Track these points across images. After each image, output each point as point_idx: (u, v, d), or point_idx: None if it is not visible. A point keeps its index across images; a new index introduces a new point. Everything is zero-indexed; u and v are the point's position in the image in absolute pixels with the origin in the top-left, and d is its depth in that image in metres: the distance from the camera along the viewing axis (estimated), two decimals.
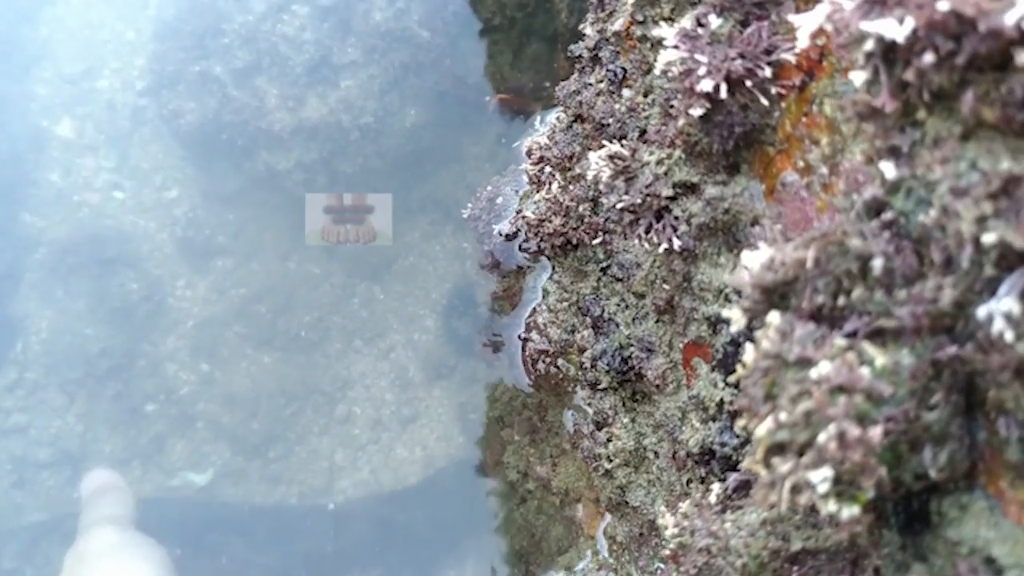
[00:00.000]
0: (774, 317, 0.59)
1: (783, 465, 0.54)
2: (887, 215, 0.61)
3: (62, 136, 2.16)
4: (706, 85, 0.79)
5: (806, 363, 0.55)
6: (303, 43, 2.01)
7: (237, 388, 2.22)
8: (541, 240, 1.14)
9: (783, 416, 0.54)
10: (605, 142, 0.95)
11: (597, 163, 0.94)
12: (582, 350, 1.09)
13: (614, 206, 0.92)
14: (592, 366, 1.06)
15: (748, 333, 0.80)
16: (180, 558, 1.78)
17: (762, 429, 0.55)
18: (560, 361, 1.25)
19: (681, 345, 0.95)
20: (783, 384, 0.56)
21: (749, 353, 0.60)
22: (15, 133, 2.12)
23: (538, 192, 1.31)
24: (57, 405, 2.10)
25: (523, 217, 1.31)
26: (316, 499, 2.23)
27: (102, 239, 2.15)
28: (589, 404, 1.12)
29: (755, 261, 0.62)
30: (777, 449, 0.55)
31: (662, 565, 1.02)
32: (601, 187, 0.93)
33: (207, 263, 2.23)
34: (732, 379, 0.61)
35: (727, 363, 0.82)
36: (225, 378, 2.23)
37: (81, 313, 2.11)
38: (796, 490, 0.53)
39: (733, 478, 0.75)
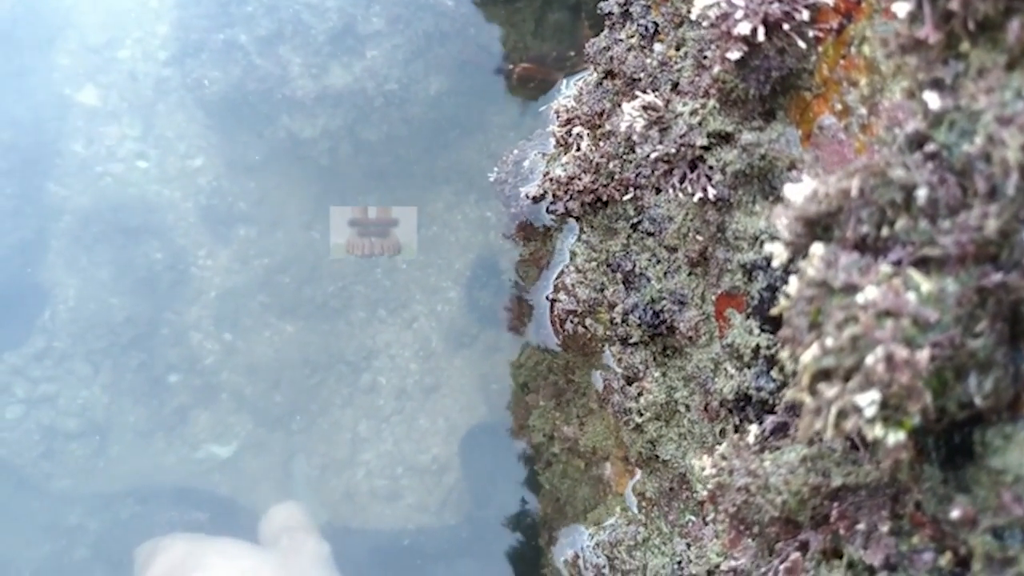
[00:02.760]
0: (818, 248, 0.59)
1: (829, 390, 0.54)
2: (929, 147, 0.61)
3: (86, 105, 2.17)
4: (744, 28, 0.79)
5: (852, 289, 0.55)
6: (326, 11, 2.01)
7: (260, 358, 2.23)
8: (571, 199, 1.14)
9: (829, 342, 0.54)
10: (639, 93, 0.95)
11: (631, 114, 0.94)
12: (612, 306, 1.09)
13: (648, 156, 0.92)
14: (623, 321, 1.06)
15: (785, 275, 0.80)
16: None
17: (807, 356, 0.56)
18: (588, 321, 1.25)
19: (714, 297, 0.95)
20: (828, 311, 0.56)
21: (792, 285, 0.60)
22: (39, 102, 2.12)
23: (565, 154, 1.31)
24: (83, 375, 2.11)
25: (551, 179, 1.30)
26: (340, 471, 2.24)
27: (126, 208, 2.16)
28: (619, 360, 1.12)
29: (798, 194, 0.62)
30: (823, 375, 0.55)
31: (693, 518, 1.02)
32: (635, 138, 0.93)
33: (230, 232, 2.23)
34: (775, 311, 0.61)
35: (763, 309, 0.83)
36: (248, 348, 2.24)
37: (106, 282, 2.12)
38: (842, 415, 0.54)
39: (770, 420, 0.75)
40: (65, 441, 2.06)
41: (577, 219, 1.29)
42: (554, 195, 1.29)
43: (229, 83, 2.04)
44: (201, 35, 2.04)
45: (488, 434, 2.17)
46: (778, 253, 0.63)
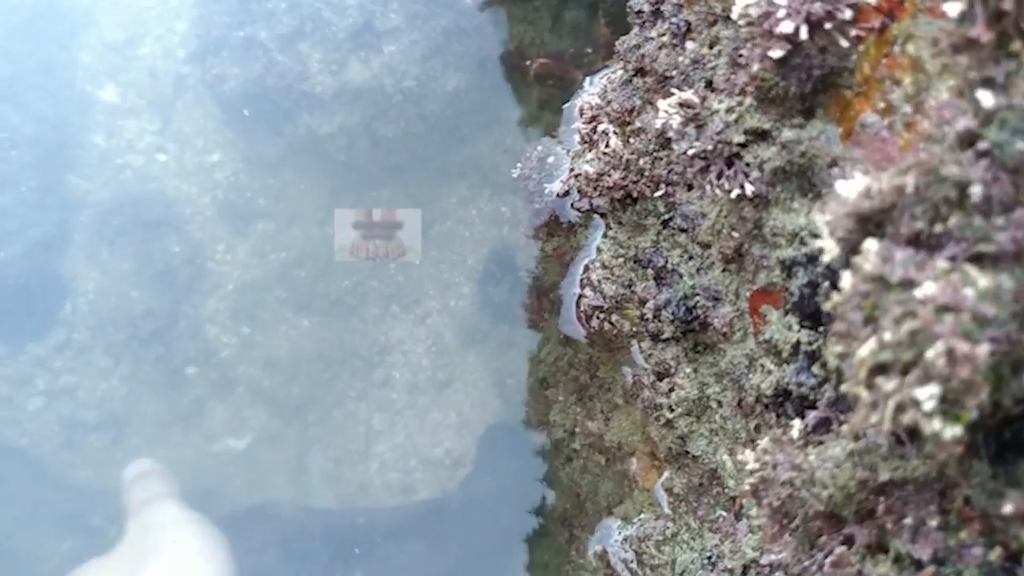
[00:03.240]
0: (872, 243, 0.60)
1: (887, 384, 0.55)
2: (981, 145, 0.62)
3: (106, 101, 2.18)
4: (786, 27, 0.80)
5: (909, 284, 0.56)
6: (346, 8, 2.01)
7: (276, 352, 2.24)
8: (599, 194, 1.15)
9: (887, 336, 0.55)
10: (674, 90, 0.96)
11: (667, 111, 0.95)
12: (643, 302, 1.10)
13: (684, 153, 0.93)
14: (655, 316, 1.07)
15: (828, 272, 0.81)
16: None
17: (864, 351, 0.56)
18: (615, 317, 1.26)
19: (748, 293, 0.96)
20: (885, 306, 0.56)
21: (845, 280, 0.60)
22: (62, 97, 2.13)
23: (590, 151, 1.32)
24: (103, 367, 2.12)
25: (576, 175, 1.31)
26: (355, 464, 2.25)
27: (146, 202, 2.16)
28: (648, 356, 1.13)
29: (850, 190, 0.62)
30: (880, 370, 0.56)
31: (724, 513, 1.03)
32: (671, 134, 0.94)
33: (248, 227, 2.25)
34: (827, 307, 0.62)
35: (803, 305, 0.83)
36: (265, 341, 2.24)
37: (126, 275, 2.13)
38: (900, 409, 0.54)
39: (812, 415, 0.76)
40: (85, 432, 2.07)
41: (603, 215, 1.30)
42: (580, 191, 1.30)
43: (248, 79, 2.05)
44: (222, 32, 2.05)
45: (503, 430, 2.18)
46: (829, 248, 0.64)
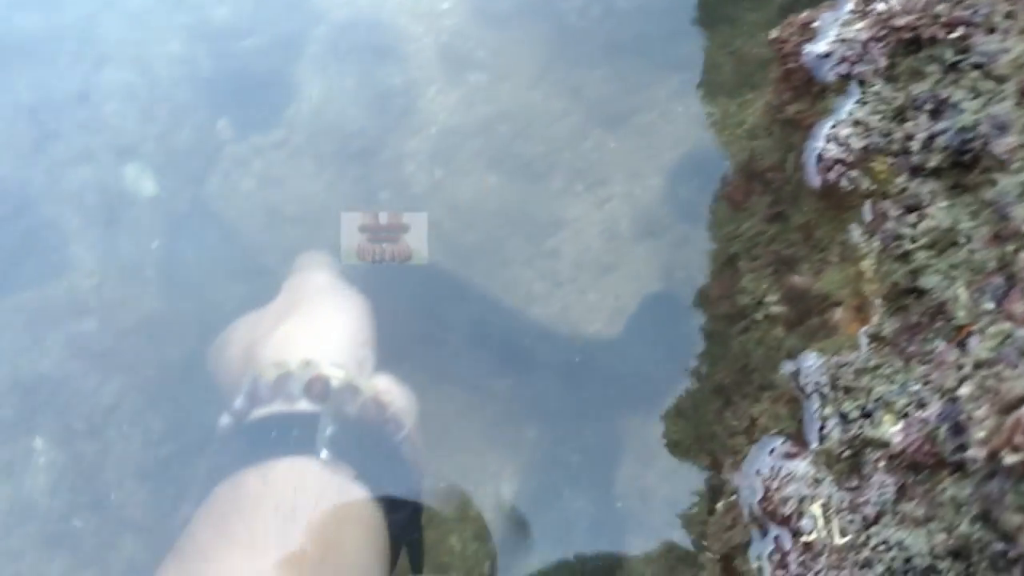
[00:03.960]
0: None
1: None
2: None
3: None
4: None
5: None
6: None
7: (461, 199, 2.33)
8: (887, 34, 1.21)
9: None
10: None
11: None
12: (909, 137, 1.16)
13: None
14: (923, 147, 1.13)
15: None
16: None
17: None
18: (855, 173, 1.32)
19: None
20: None
21: None
22: None
23: (861, 20, 1.37)
24: (309, 172, 2.25)
25: (843, 40, 1.37)
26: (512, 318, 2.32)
27: (378, 29, 2.28)
28: (904, 190, 1.19)
29: None
30: None
31: (942, 343, 1.09)
32: None
33: (462, 76, 2.34)
34: None
35: None
36: (453, 187, 2.34)
37: (348, 91, 2.25)
38: None
39: None
40: (283, 223, 2.20)
41: (861, 83, 1.36)
42: (843, 58, 1.36)
43: None
44: None
45: (662, 311, 2.24)
46: None
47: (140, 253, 2.11)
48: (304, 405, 1.42)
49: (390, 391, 1.57)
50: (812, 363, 1.25)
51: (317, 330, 1.57)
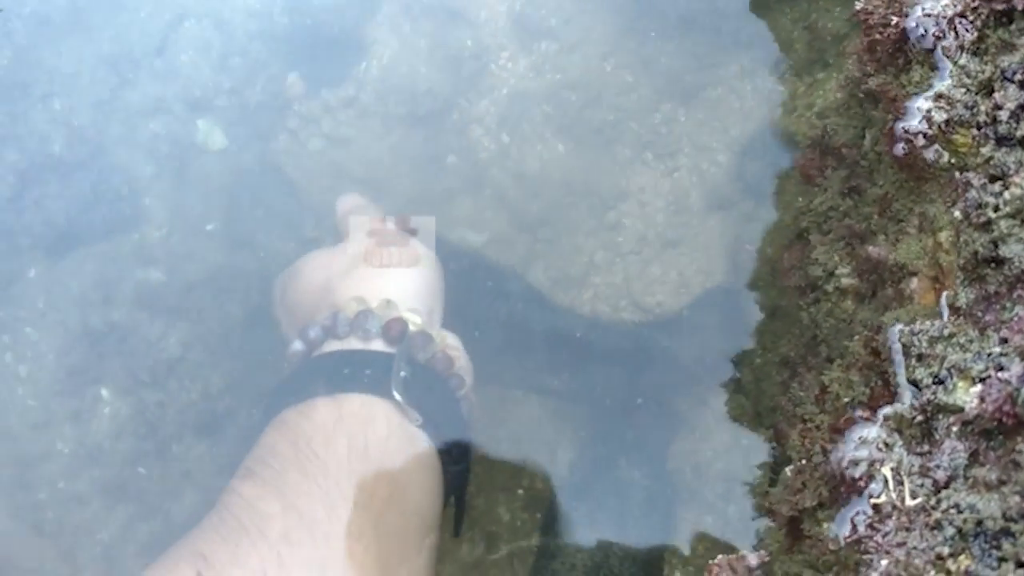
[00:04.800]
0: None
1: None
2: None
3: None
4: None
5: None
6: None
7: (528, 167, 2.34)
8: (979, 6, 1.19)
9: None
10: None
11: None
12: (997, 107, 1.14)
13: None
14: (1012, 116, 1.11)
15: None
16: None
17: None
18: (936, 146, 1.30)
19: None
20: None
21: None
22: None
23: None
24: (377, 132, 2.26)
25: (931, 14, 1.35)
26: (569, 288, 2.32)
27: None
28: (988, 161, 1.17)
29: None
30: None
31: (1021, 312, 1.07)
32: None
33: (533, 43, 2.34)
34: None
35: None
36: (520, 154, 2.34)
37: (420, 51, 2.26)
38: None
39: None
40: (349, 183, 2.23)
41: (947, 57, 1.34)
42: (930, 32, 1.34)
43: None
44: None
45: (725, 291, 2.23)
46: None
47: (207, 207, 2.14)
48: (378, 345, 1.44)
49: (456, 347, 1.59)
50: (887, 331, 1.24)
51: (397, 274, 1.59)
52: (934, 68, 1.38)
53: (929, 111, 1.31)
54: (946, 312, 1.22)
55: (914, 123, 1.33)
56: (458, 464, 1.50)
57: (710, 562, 1.27)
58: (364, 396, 1.35)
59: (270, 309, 1.87)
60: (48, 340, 1.97)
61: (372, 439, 1.29)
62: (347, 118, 2.23)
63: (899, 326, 1.22)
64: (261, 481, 1.24)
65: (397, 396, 1.36)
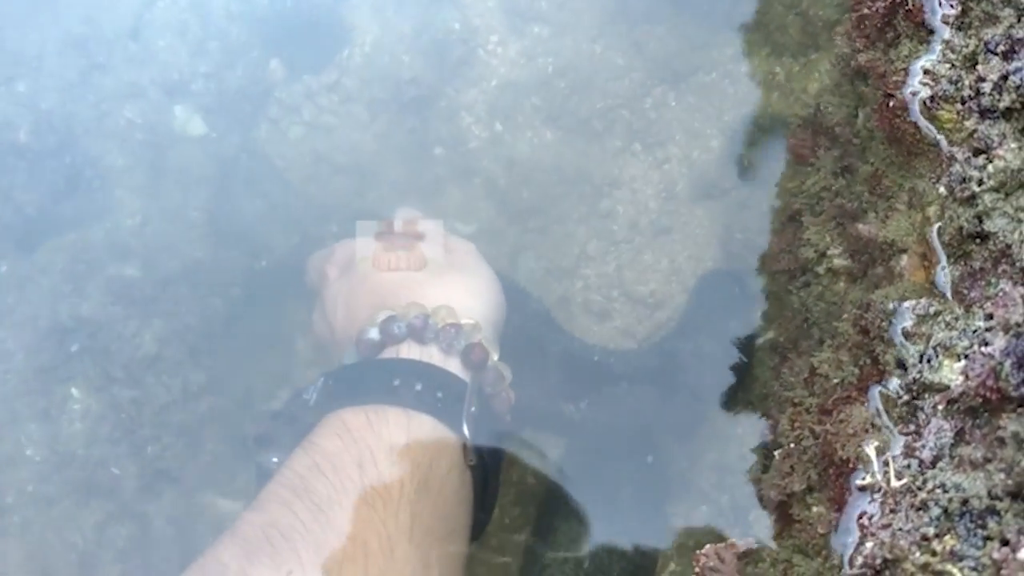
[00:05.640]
0: None
1: None
2: None
3: None
4: None
5: None
6: None
7: (518, 155, 2.29)
8: None
9: None
10: None
11: None
12: (980, 79, 1.11)
13: None
14: (995, 88, 1.07)
15: None
16: None
17: None
18: (923, 121, 1.26)
19: None
20: None
21: None
22: None
23: None
24: (362, 120, 2.22)
25: None
26: (561, 278, 2.28)
27: None
28: (972, 134, 1.13)
29: None
30: None
31: (1006, 286, 1.03)
32: None
33: (524, 27, 2.30)
34: None
35: None
36: (511, 143, 2.30)
37: (404, 36, 2.21)
38: None
39: None
40: (331, 172, 2.19)
41: (932, 32, 1.30)
42: (915, 5, 1.31)
43: None
44: None
45: (719, 276, 2.19)
46: None
47: (185, 196, 2.08)
48: (455, 365, 1.40)
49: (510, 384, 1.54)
50: (876, 309, 1.20)
51: (481, 295, 1.58)
52: (923, 42, 1.34)
53: (916, 86, 1.27)
54: (930, 290, 1.18)
55: (902, 98, 1.30)
56: (486, 512, 1.47)
57: (697, 552, 1.23)
58: (435, 422, 1.29)
59: (303, 279, 1.86)
60: (16, 337, 1.89)
61: (435, 472, 1.24)
62: (329, 105, 2.19)
63: (885, 305, 1.18)
64: (314, 504, 1.17)
65: (466, 431, 1.31)
